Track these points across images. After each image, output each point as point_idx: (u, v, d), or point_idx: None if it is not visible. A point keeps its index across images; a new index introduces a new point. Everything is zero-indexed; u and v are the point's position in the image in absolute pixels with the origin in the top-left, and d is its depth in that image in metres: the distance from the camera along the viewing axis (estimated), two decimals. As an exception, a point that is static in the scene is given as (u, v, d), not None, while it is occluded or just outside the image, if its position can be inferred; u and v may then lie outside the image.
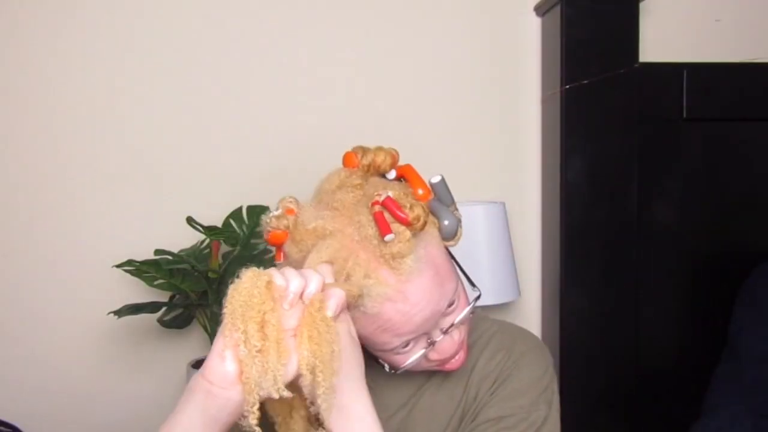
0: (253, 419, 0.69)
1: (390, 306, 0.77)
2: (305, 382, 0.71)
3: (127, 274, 1.49)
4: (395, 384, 0.95)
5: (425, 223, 0.78)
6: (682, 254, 1.70)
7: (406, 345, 0.82)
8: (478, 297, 0.87)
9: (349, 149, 0.86)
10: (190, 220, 1.52)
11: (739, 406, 1.42)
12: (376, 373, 0.91)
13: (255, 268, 0.71)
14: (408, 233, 0.76)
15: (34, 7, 1.65)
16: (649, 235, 1.66)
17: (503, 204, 1.62)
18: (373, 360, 0.89)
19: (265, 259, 1.52)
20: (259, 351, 0.68)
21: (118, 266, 1.46)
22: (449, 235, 0.82)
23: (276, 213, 0.82)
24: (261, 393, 0.68)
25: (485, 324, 1.00)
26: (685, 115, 1.67)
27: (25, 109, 1.67)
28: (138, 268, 1.46)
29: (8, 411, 1.62)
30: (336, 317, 0.72)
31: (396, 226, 0.76)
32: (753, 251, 1.65)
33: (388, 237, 0.75)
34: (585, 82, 1.58)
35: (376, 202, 0.78)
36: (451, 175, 1.72)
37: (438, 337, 0.83)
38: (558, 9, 1.61)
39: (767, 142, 1.71)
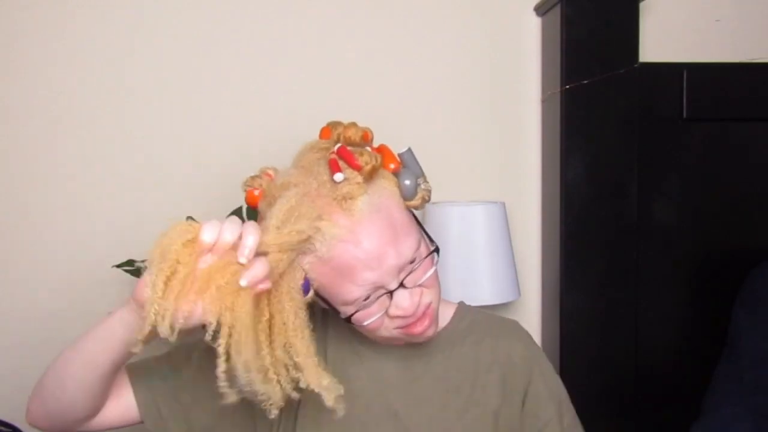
0: (135, 348, 0.78)
1: (343, 248, 0.81)
2: (220, 334, 0.74)
3: (127, 274, 1.49)
4: (390, 363, 0.96)
5: (374, 168, 0.83)
6: (682, 254, 1.70)
7: (367, 298, 0.84)
8: (436, 250, 0.89)
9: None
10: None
11: (739, 406, 1.42)
12: (368, 345, 0.94)
13: (184, 223, 0.78)
14: (359, 177, 0.82)
15: (36, 7, 1.65)
16: (649, 235, 1.66)
17: (503, 204, 1.62)
18: (361, 334, 0.92)
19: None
20: (160, 297, 0.73)
21: (118, 266, 1.46)
22: (409, 194, 0.87)
23: (254, 174, 0.90)
24: (158, 330, 0.74)
25: (471, 313, 1.04)
26: (685, 115, 1.67)
27: (26, 109, 1.67)
28: (138, 268, 1.46)
29: (8, 411, 1.62)
30: (253, 288, 0.75)
31: (348, 172, 0.82)
32: (753, 251, 1.65)
33: (336, 176, 0.81)
34: (585, 82, 1.58)
35: (332, 152, 0.85)
36: (451, 175, 1.74)
37: (394, 286, 0.84)
38: (558, 9, 1.61)
39: (767, 142, 1.71)
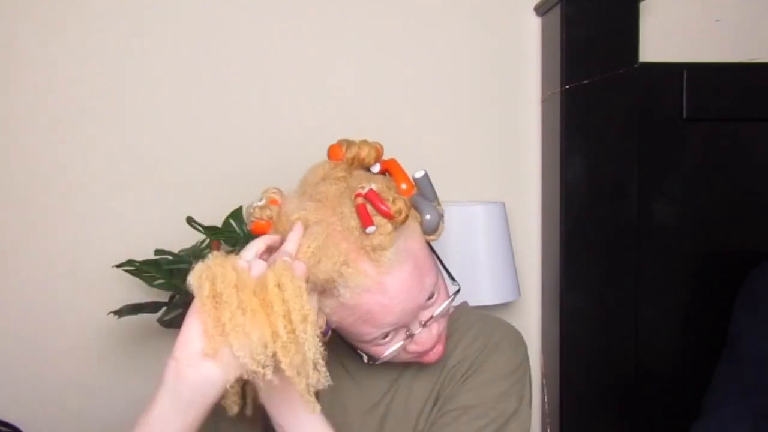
0: (231, 397, 0.73)
1: (369, 297, 0.78)
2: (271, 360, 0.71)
3: (127, 274, 1.49)
4: (376, 373, 0.96)
5: (407, 216, 0.79)
6: (682, 254, 1.70)
7: (385, 336, 0.83)
8: (458, 291, 0.88)
9: (334, 142, 0.88)
10: (190, 220, 1.52)
11: (739, 406, 1.42)
12: (357, 364, 0.93)
13: (218, 253, 0.74)
14: (389, 226, 0.77)
15: (36, 6, 1.65)
16: (649, 235, 1.66)
17: (503, 204, 1.62)
18: (352, 351, 0.90)
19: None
20: (233, 328, 0.70)
21: (118, 266, 1.46)
22: (430, 230, 0.84)
23: (260, 203, 0.85)
24: (241, 367, 0.70)
25: (468, 315, 1.00)
26: (685, 115, 1.67)
27: (26, 109, 1.67)
28: (138, 268, 1.46)
29: (8, 411, 1.62)
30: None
31: (378, 219, 0.77)
32: (753, 251, 1.65)
33: (369, 229, 0.76)
34: (585, 82, 1.58)
35: (359, 194, 0.79)
36: (451, 175, 1.74)
37: (417, 329, 0.84)
38: (558, 9, 1.61)
39: (767, 142, 1.71)
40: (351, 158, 0.84)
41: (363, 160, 0.85)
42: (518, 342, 0.96)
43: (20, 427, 1.57)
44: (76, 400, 1.69)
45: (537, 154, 1.77)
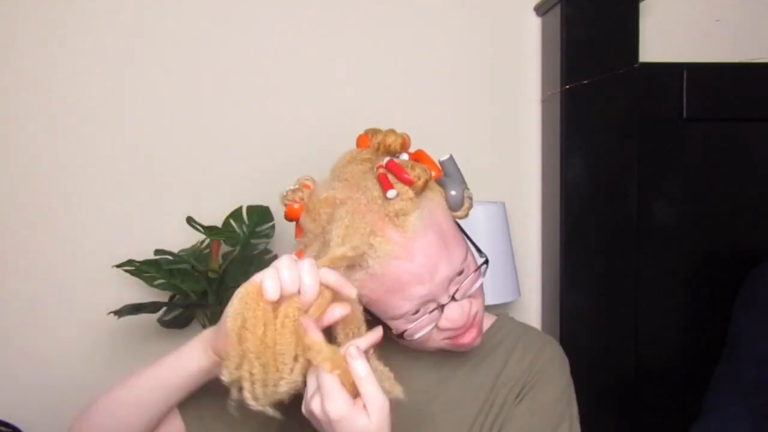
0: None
1: (396, 265, 0.80)
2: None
3: (127, 274, 1.49)
4: (420, 367, 0.96)
5: (426, 182, 0.82)
6: (682, 254, 1.70)
7: (416, 312, 0.84)
8: (486, 262, 0.88)
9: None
10: (190, 220, 1.52)
11: (739, 406, 1.42)
12: (400, 351, 0.93)
13: (246, 285, 0.76)
14: (410, 192, 0.81)
15: (36, 7, 1.65)
16: (649, 235, 1.66)
17: (503, 204, 1.62)
18: (393, 342, 0.90)
19: (265, 260, 1.52)
20: (251, 372, 0.74)
21: (118, 266, 1.46)
22: (456, 205, 0.86)
23: (292, 187, 0.88)
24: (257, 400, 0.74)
25: (511, 324, 1.02)
26: (685, 115, 1.67)
27: (26, 109, 1.67)
28: (138, 268, 1.47)
29: (8, 411, 1.62)
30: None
31: (399, 186, 0.81)
32: (753, 251, 1.65)
33: (390, 193, 0.80)
34: (585, 82, 1.58)
35: (380, 166, 0.83)
36: (451, 175, 1.74)
37: (446, 300, 0.84)
38: (558, 9, 1.61)
39: (767, 142, 1.71)
40: (377, 144, 0.88)
41: (389, 146, 0.88)
42: (564, 359, 0.99)
43: (20, 427, 1.57)
44: (76, 400, 1.69)
45: (537, 154, 1.77)
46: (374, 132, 0.90)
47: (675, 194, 1.69)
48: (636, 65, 1.60)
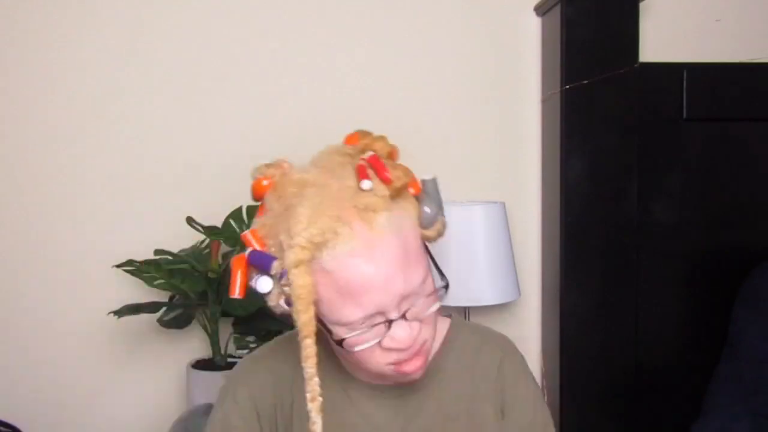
0: None
1: (354, 265, 0.76)
2: None
3: (127, 274, 1.49)
4: (383, 398, 0.93)
5: (405, 186, 0.79)
6: (682, 254, 1.70)
7: (363, 323, 0.79)
8: (446, 286, 0.84)
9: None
10: (190, 220, 1.52)
11: (739, 406, 1.42)
12: (359, 390, 0.91)
13: None
14: (386, 191, 0.77)
15: (35, 7, 1.65)
16: (649, 235, 1.66)
17: (503, 204, 1.62)
18: (353, 377, 0.89)
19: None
20: None
21: (118, 266, 1.46)
22: (427, 223, 0.82)
23: (267, 163, 0.85)
24: None
25: (465, 330, 0.99)
26: (685, 115, 1.67)
27: (26, 109, 1.67)
28: (138, 268, 1.47)
29: (8, 411, 1.62)
30: None
31: (376, 182, 0.77)
32: (753, 251, 1.65)
33: (365, 183, 0.76)
34: (585, 82, 1.58)
35: (362, 158, 0.80)
36: (451, 175, 1.74)
37: (394, 316, 0.79)
38: (558, 9, 1.61)
39: (767, 142, 1.71)
40: (364, 145, 0.84)
41: (376, 151, 0.84)
42: (524, 361, 0.98)
43: (20, 428, 1.57)
44: (76, 399, 1.69)
45: (537, 154, 1.77)
46: (365, 134, 0.86)
47: (675, 194, 1.69)
48: (636, 65, 1.60)
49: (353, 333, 0.79)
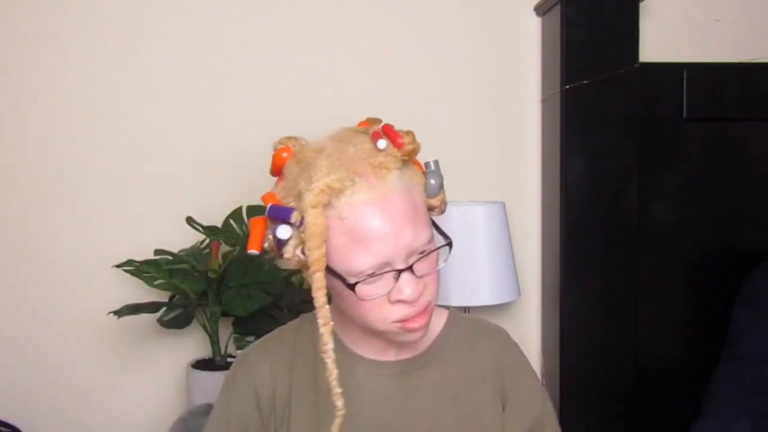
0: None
1: (368, 212, 0.82)
2: None
3: (127, 274, 1.49)
4: (384, 377, 0.96)
5: (414, 150, 0.88)
6: (682, 254, 1.70)
7: (372, 275, 0.84)
8: (450, 243, 0.90)
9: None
10: (190, 220, 1.52)
11: (739, 406, 1.42)
12: (362, 363, 0.95)
13: None
14: (398, 153, 0.86)
15: (36, 7, 1.65)
16: (649, 235, 1.66)
17: (503, 204, 1.62)
18: (356, 355, 0.94)
19: (264, 260, 1.52)
20: None
21: (118, 266, 1.46)
22: (432, 192, 0.91)
23: (288, 136, 0.93)
24: None
25: (463, 321, 1.03)
26: (685, 115, 1.67)
27: (26, 109, 1.67)
28: (138, 268, 1.47)
29: (8, 411, 1.62)
30: None
31: (390, 147, 0.86)
32: (753, 251, 1.65)
33: (380, 142, 0.85)
34: (585, 82, 1.58)
35: (375, 129, 0.89)
36: (451, 175, 1.71)
37: (403, 266, 0.84)
38: (558, 9, 1.61)
39: (767, 142, 1.71)
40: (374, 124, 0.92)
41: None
42: (521, 353, 1.03)
43: (20, 428, 1.57)
44: (76, 399, 1.69)
45: (537, 154, 1.77)
46: (375, 120, 0.94)
47: (675, 194, 1.69)
48: (636, 65, 1.60)
49: (365, 283, 0.85)
